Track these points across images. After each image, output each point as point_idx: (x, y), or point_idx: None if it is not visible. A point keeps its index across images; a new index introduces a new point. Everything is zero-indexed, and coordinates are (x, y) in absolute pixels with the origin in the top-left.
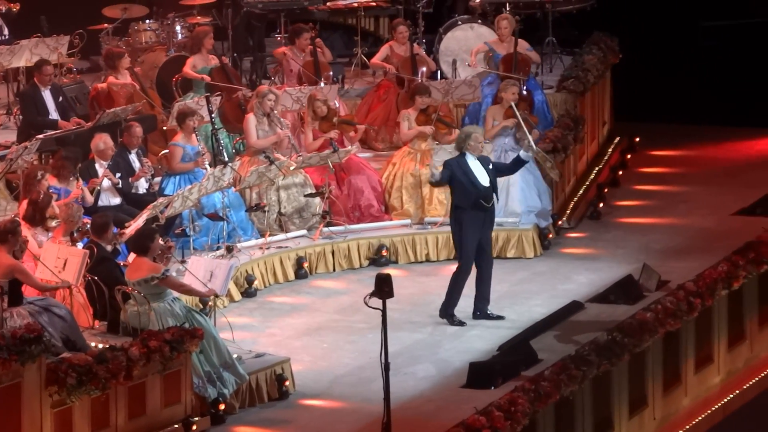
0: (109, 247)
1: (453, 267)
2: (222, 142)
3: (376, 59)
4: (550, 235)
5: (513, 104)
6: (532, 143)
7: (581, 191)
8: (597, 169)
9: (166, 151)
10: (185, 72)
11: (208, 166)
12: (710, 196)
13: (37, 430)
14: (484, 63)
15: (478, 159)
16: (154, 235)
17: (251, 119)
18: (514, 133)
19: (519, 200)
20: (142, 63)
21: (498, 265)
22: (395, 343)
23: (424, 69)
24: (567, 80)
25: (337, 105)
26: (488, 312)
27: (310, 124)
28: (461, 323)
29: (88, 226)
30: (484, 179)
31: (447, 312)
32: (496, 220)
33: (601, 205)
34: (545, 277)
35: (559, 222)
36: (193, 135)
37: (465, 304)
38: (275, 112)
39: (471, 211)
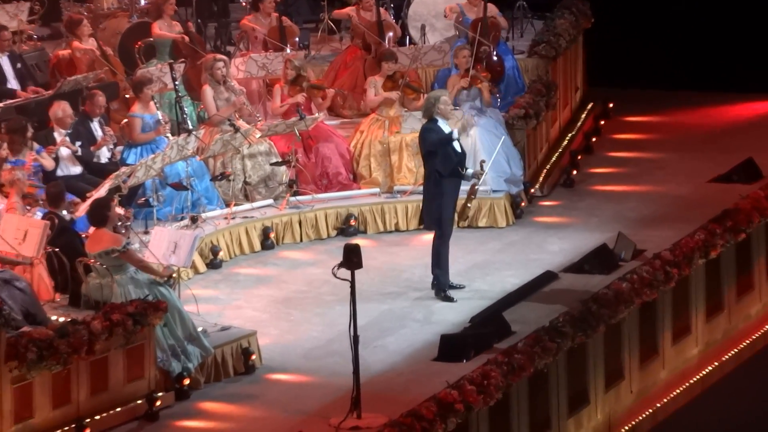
0: (68, 216)
1: (423, 237)
2: (186, 110)
3: (340, 11)
4: (523, 204)
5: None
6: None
7: (554, 158)
8: (570, 135)
9: (127, 119)
10: (157, 34)
11: (170, 135)
12: (686, 163)
13: None
14: (455, 26)
15: (447, 124)
16: (110, 203)
17: (207, 91)
18: (476, 96)
19: (489, 168)
20: (104, 30)
21: (469, 235)
22: (364, 316)
23: (391, 34)
24: (538, 45)
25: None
26: (450, 282)
27: (279, 89)
28: (451, 299)
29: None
30: (457, 144)
31: (439, 287)
32: (467, 188)
33: (575, 172)
34: (518, 247)
35: (532, 190)
36: (152, 103)
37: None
38: (230, 80)
39: (450, 178)
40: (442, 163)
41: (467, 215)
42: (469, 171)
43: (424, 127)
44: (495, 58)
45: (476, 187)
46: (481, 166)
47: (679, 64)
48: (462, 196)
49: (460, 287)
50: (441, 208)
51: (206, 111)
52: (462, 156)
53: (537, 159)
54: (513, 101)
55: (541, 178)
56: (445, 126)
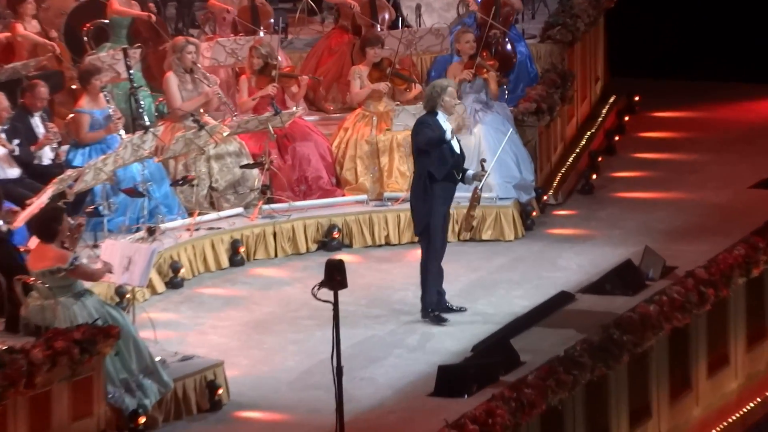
0: (4, 227)
1: (418, 252)
2: (142, 103)
3: None
4: (534, 214)
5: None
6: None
7: (570, 160)
8: (589, 134)
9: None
10: (117, 10)
11: (123, 132)
12: (724, 166)
13: None
14: (457, 6)
15: (447, 120)
16: (60, 216)
17: (171, 79)
18: (481, 87)
19: (495, 171)
20: (46, 9)
21: (472, 249)
22: (349, 343)
23: (387, 16)
24: (553, 28)
25: (279, 59)
26: (447, 303)
27: (245, 81)
28: (441, 319)
29: None
30: (455, 144)
31: (426, 307)
32: (469, 194)
33: (594, 176)
34: (528, 263)
35: (544, 197)
36: (101, 96)
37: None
38: (199, 66)
39: (443, 182)
40: (435, 164)
41: (472, 225)
42: (469, 173)
43: (420, 120)
44: (508, 45)
45: (479, 192)
46: (482, 166)
47: (717, 51)
48: (464, 204)
49: (460, 310)
50: (430, 215)
51: (168, 102)
52: (460, 158)
53: (551, 161)
54: (523, 94)
55: (555, 184)
56: (444, 122)
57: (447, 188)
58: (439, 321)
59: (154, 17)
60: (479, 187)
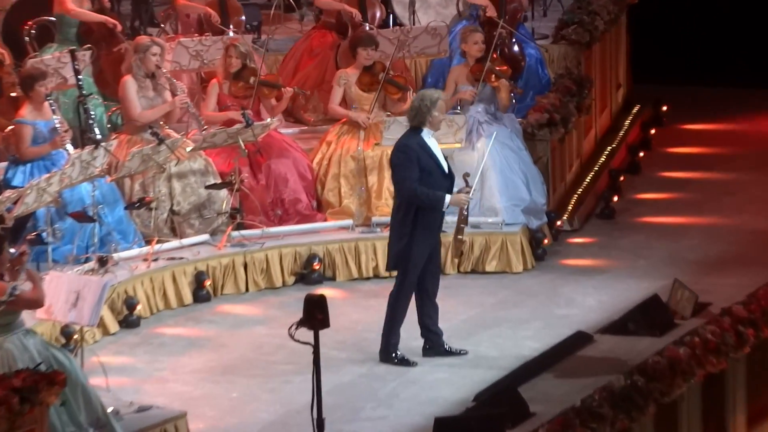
0: None
1: None
2: (93, 113)
3: None
4: (546, 241)
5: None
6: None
7: (588, 180)
8: (610, 149)
9: (13, 126)
10: (72, 11)
11: (70, 147)
12: (764, 187)
13: None
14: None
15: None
16: (1, 244)
17: (130, 84)
18: (490, 97)
19: (499, 190)
20: None
21: (473, 283)
22: (332, 391)
23: (379, 14)
24: (567, 27)
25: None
26: (445, 345)
27: (216, 86)
28: (408, 362)
29: None
30: (445, 166)
31: (388, 350)
32: (471, 219)
33: (616, 199)
34: (539, 299)
35: (558, 223)
36: (46, 105)
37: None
38: (163, 70)
39: (427, 210)
40: (419, 192)
41: (461, 251)
42: (444, 206)
43: (402, 142)
44: (515, 47)
45: (465, 212)
46: (466, 181)
47: (756, 54)
48: (448, 229)
49: (460, 353)
50: (410, 249)
51: (124, 111)
52: (448, 181)
53: (565, 181)
54: (533, 103)
55: (570, 207)
56: (430, 140)
57: (432, 218)
58: (405, 363)
59: (119, 26)
60: (465, 207)
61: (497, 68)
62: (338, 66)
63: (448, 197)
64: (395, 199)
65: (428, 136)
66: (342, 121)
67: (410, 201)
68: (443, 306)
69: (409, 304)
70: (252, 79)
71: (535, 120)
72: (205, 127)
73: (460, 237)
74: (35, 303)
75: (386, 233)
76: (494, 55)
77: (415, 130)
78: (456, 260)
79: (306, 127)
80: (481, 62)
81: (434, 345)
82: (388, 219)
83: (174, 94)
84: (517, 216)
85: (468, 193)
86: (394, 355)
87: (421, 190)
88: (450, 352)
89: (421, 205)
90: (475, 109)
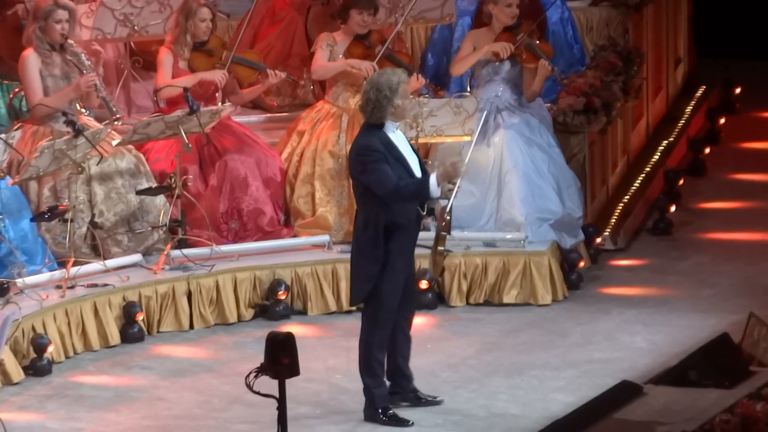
0: None
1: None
2: None
3: None
4: (582, 264)
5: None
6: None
7: (637, 184)
8: (665, 144)
9: None
10: None
11: None
12: None
13: None
14: None
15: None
16: None
17: (30, 60)
18: (514, 78)
19: (522, 199)
20: None
21: (488, 317)
22: None
23: None
24: None
25: None
26: (417, 392)
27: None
28: (402, 421)
29: None
30: (415, 166)
31: (374, 406)
32: (483, 235)
33: (673, 209)
34: (573, 339)
35: (598, 240)
36: None
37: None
38: (71, 42)
39: (400, 227)
40: (401, 187)
41: (442, 267)
42: (432, 190)
43: (362, 143)
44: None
45: (447, 216)
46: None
47: None
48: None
49: (434, 402)
50: (382, 277)
51: (25, 94)
52: (423, 187)
53: (607, 185)
54: (564, 75)
55: (614, 220)
56: (395, 134)
57: (406, 236)
58: (398, 423)
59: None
60: (447, 209)
61: (537, 44)
62: (308, 35)
63: (433, 177)
64: (358, 213)
65: (392, 130)
66: (319, 105)
67: (396, 200)
68: (447, 346)
69: (387, 341)
70: (224, 54)
71: (569, 105)
72: (118, 116)
73: (441, 248)
74: None
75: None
76: (534, 30)
77: (373, 126)
78: (434, 277)
79: (268, 114)
80: (513, 32)
81: (403, 390)
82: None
83: (81, 73)
84: (545, 233)
85: (451, 191)
86: (382, 412)
87: (401, 185)
88: (420, 401)
89: (408, 200)
90: (493, 91)
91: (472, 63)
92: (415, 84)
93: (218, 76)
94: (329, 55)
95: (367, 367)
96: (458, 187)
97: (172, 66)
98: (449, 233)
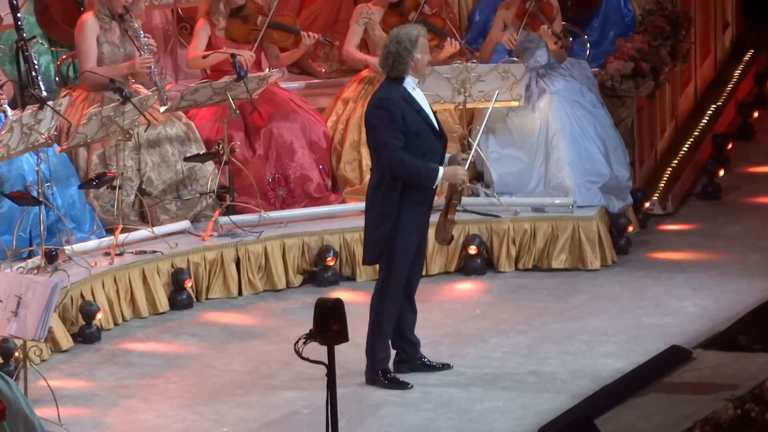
0: None
1: (457, 286)
2: (38, 62)
3: None
4: (630, 229)
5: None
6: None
7: (685, 149)
8: (714, 108)
9: None
10: None
11: (8, 108)
12: None
13: None
14: None
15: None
16: None
17: (89, 25)
18: (542, 46)
19: (570, 162)
20: None
21: (536, 282)
22: (353, 424)
23: None
24: None
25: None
26: (423, 358)
27: (205, 26)
28: (402, 384)
29: None
30: (434, 122)
31: (375, 369)
32: (531, 201)
33: (722, 173)
34: (621, 304)
35: (647, 204)
36: None
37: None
38: (132, 17)
39: (414, 187)
40: (407, 162)
41: (451, 235)
42: (447, 156)
43: (380, 95)
44: None
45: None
46: (467, 143)
47: None
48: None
49: (443, 368)
50: (397, 234)
51: (79, 59)
52: (441, 144)
53: (656, 150)
54: (614, 48)
55: (662, 184)
56: (415, 91)
57: (420, 197)
58: (398, 386)
59: None
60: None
61: (541, 10)
62: (355, 1)
63: (441, 171)
64: (373, 171)
65: (412, 86)
66: (364, 72)
67: (395, 173)
68: (496, 312)
69: (398, 308)
70: (260, 20)
71: (617, 70)
72: (168, 104)
73: (450, 217)
74: None
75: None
76: None
77: (395, 80)
78: (443, 244)
79: (316, 80)
80: (526, 2)
81: (409, 357)
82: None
83: (138, 49)
84: (594, 196)
85: (465, 161)
86: (382, 374)
87: (409, 160)
88: (429, 367)
89: (408, 181)
90: (532, 57)
91: (492, 49)
92: (449, 49)
93: (246, 56)
94: (362, 31)
95: (376, 326)
96: (472, 156)
97: (210, 36)
98: (460, 202)
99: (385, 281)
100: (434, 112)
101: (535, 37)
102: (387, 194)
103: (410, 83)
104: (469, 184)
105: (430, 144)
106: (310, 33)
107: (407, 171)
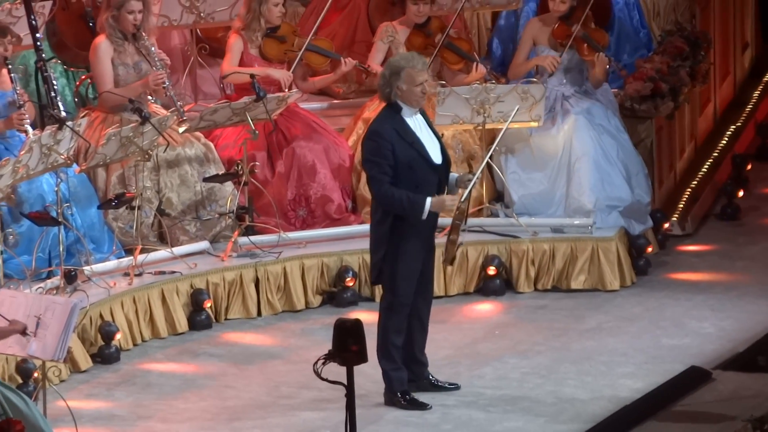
0: None
1: (476, 307)
2: (56, 83)
3: None
4: (650, 250)
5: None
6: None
7: (704, 169)
8: (733, 128)
9: None
10: None
11: (30, 128)
12: None
13: None
14: None
15: (419, 113)
16: None
17: (103, 48)
18: (578, 65)
19: (591, 186)
20: None
21: (555, 303)
22: None
23: None
24: None
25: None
26: (431, 377)
27: (238, 41)
28: (421, 405)
29: None
30: (435, 152)
31: (392, 390)
32: (551, 221)
33: (741, 193)
34: (641, 325)
35: (666, 225)
36: (4, 72)
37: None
38: (144, 35)
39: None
40: (390, 195)
41: (453, 255)
42: (452, 176)
43: (373, 127)
44: None
45: (462, 206)
46: (469, 165)
47: None
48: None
49: (451, 387)
50: (393, 260)
51: (96, 83)
52: (436, 175)
53: (675, 171)
54: (630, 60)
55: (681, 205)
56: (413, 119)
57: (421, 225)
58: (417, 407)
59: None
60: (462, 198)
61: (592, 36)
62: (370, 22)
63: (428, 202)
64: (373, 198)
65: (410, 116)
66: None
67: (383, 207)
68: (515, 332)
69: (405, 327)
70: (297, 41)
71: (636, 91)
72: (183, 117)
73: (453, 238)
74: None
75: (442, 238)
76: (588, 18)
77: (392, 108)
78: (446, 264)
79: (336, 101)
80: (566, 23)
81: (417, 377)
82: (444, 220)
83: (152, 68)
84: (613, 218)
85: (470, 182)
86: (401, 395)
87: (396, 194)
88: (436, 386)
89: (397, 210)
90: (558, 80)
91: (527, 70)
92: (474, 74)
93: (285, 77)
94: (387, 50)
95: (384, 351)
96: (477, 178)
97: (242, 52)
98: (464, 223)
99: (388, 305)
100: (440, 139)
101: (575, 60)
102: (380, 223)
103: (408, 112)
104: (459, 204)
105: (423, 176)
106: (348, 59)
107: (394, 205)
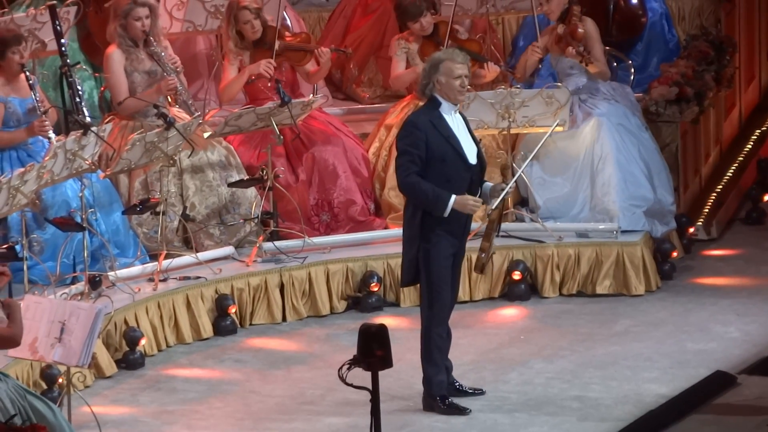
0: None
1: (501, 312)
2: (80, 88)
3: None
4: (675, 254)
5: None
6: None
7: (730, 173)
8: (758, 132)
9: None
10: None
11: (53, 135)
12: None
13: None
14: None
15: (460, 115)
16: None
17: (115, 57)
18: (579, 68)
19: (615, 187)
20: None
21: (579, 308)
22: None
23: None
24: None
25: (288, 21)
26: (455, 383)
27: (234, 56)
28: (460, 409)
29: None
30: (471, 151)
31: (432, 394)
32: (575, 226)
33: (766, 198)
34: (665, 330)
35: (691, 230)
36: (22, 78)
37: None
38: (153, 41)
39: (448, 216)
40: (417, 187)
41: (484, 264)
42: (486, 185)
43: (409, 118)
44: None
45: (494, 213)
46: (509, 173)
47: None
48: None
49: (476, 393)
50: (427, 256)
51: (111, 92)
52: (469, 173)
53: (700, 175)
54: (658, 73)
55: (706, 209)
56: (452, 116)
57: (453, 225)
58: (456, 411)
59: None
60: (494, 206)
61: (572, 30)
62: (400, 27)
63: (452, 198)
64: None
65: (450, 112)
66: (407, 98)
67: (406, 196)
68: (540, 337)
69: (447, 328)
70: (278, 45)
71: (661, 95)
72: (200, 121)
73: (487, 244)
74: (10, 341)
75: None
76: (572, 9)
77: (431, 103)
78: (477, 272)
79: (359, 106)
80: (566, 20)
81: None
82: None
83: (164, 73)
84: (638, 220)
85: (503, 191)
86: (440, 400)
87: (421, 185)
88: (461, 391)
89: (419, 205)
90: (575, 83)
91: (526, 68)
92: (488, 73)
93: (263, 66)
94: (405, 60)
95: (428, 353)
96: (510, 187)
97: (239, 68)
98: (497, 232)
99: (429, 305)
100: (478, 144)
101: (575, 63)
102: (412, 216)
103: (447, 108)
104: (490, 208)
105: (455, 172)
106: (322, 48)
107: (416, 195)
